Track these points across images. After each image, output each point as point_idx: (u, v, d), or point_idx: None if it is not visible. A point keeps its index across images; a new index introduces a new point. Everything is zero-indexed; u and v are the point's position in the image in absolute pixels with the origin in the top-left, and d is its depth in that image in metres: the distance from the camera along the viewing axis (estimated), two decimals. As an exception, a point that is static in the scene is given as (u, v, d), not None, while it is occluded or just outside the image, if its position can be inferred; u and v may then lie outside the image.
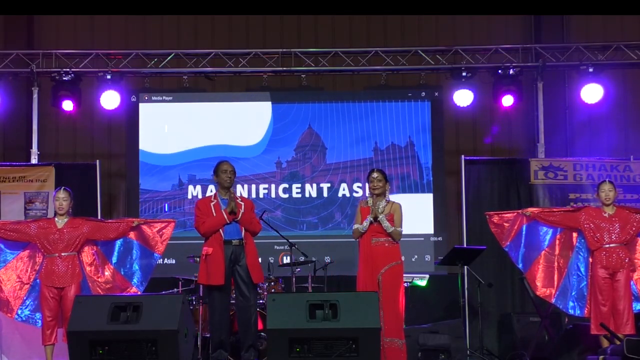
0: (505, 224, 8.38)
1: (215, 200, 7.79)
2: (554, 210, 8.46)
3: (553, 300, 8.25)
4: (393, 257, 7.54)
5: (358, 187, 10.87)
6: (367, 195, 7.84)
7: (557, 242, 8.29)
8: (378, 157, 10.91)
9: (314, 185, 10.90)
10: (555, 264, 8.26)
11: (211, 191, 10.78)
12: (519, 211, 8.43)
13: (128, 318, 6.53)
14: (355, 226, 7.66)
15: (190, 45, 11.32)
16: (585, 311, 8.12)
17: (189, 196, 10.86)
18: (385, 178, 7.71)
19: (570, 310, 8.21)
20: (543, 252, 8.30)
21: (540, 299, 8.51)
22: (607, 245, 7.95)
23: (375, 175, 7.68)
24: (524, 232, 8.33)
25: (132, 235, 8.17)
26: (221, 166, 7.88)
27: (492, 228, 8.45)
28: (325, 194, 10.88)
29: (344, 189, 10.89)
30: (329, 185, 10.89)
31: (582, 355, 8.18)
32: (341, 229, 10.78)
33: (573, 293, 8.17)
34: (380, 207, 7.59)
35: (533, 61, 10.59)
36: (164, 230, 8.24)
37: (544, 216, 8.29)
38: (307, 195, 10.91)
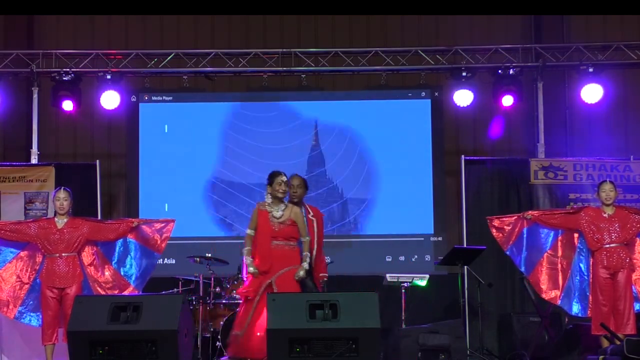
0: (507, 228, 8.37)
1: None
2: (555, 212, 8.45)
3: (559, 302, 8.24)
4: (292, 260, 7.31)
5: (365, 187, 10.87)
6: (266, 197, 7.43)
7: (559, 243, 8.29)
8: (378, 157, 10.91)
9: (316, 185, 10.90)
10: (559, 265, 8.25)
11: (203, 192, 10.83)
12: (520, 215, 8.44)
13: (128, 318, 6.53)
14: (249, 231, 7.40)
15: (190, 45, 11.31)
16: (589, 312, 8.11)
17: (179, 197, 10.84)
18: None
19: (575, 311, 8.20)
20: (545, 254, 8.29)
21: (540, 298, 8.52)
22: (608, 246, 7.95)
23: (284, 179, 7.37)
24: (525, 235, 8.31)
25: (131, 235, 8.15)
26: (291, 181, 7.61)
27: (493, 232, 8.44)
28: (324, 194, 10.88)
29: (345, 189, 10.89)
30: (333, 185, 10.89)
31: (582, 355, 8.19)
32: (341, 229, 10.79)
33: (576, 294, 8.17)
34: (279, 212, 7.34)
35: (533, 61, 10.59)
36: (164, 230, 8.22)
37: (545, 219, 8.28)
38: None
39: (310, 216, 7.70)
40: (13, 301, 8.02)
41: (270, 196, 7.41)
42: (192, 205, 10.83)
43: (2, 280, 8.03)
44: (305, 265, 7.29)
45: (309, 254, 7.37)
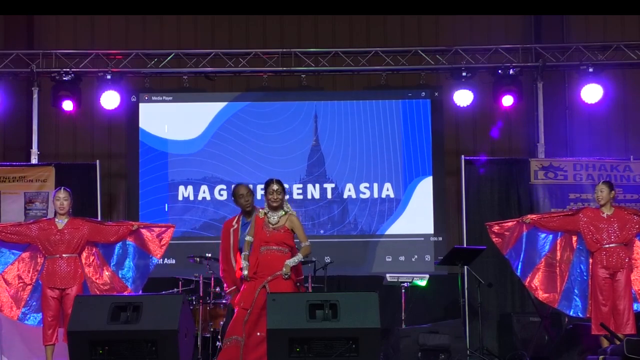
0: (506, 233, 8.37)
1: (237, 225, 7.70)
2: (553, 215, 8.45)
3: (557, 305, 8.23)
4: (280, 265, 7.14)
5: (365, 187, 10.87)
6: (265, 205, 7.34)
7: (558, 246, 8.29)
8: (378, 157, 10.91)
9: (317, 185, 10.90)
10: (557, 269, 8.25)
11: (204, 192, 10.82)
12: (519, 219, 8.43)
13: (128, 318, 6.53)
14: (248, 238, 7.29)
15: (190, 45, 11.31)
16: (588, 312, 8.11)
17: (180, 197, 10.85)
18: (284, 189, 7.31)
19: (574, 313, 8.19)
20: (544, 257, 8.29)
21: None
22: (607, 246, 7.95)
23: (275, 187, 7.22)
24: (524, 240, 8.31)
25: (131, 238, 8.18)
26: (237, 191, 7.82)
27: (492, 237, 8.44)
28: (324, 195, 10.88)
29: (345, 189, 10.89)
30: (333, 185, 10.89)
31: (582, 355, 8.19)
32: (341, 229, 10.79)
33: (576, 295, 8.17)
34: (274, 218, 7.23)
35: (533, 61, 10.59)
36: (163, 235, 8.24)
37: (544, 222, 8.27)
38: (308, 196, 10.90)
39: None
40: (16, 303, 8.04)
41: (266, 205, 7.37)
42: (192, 205, 10.83)
43: (5, 282, 8.04)
44: (289, 262, 7.12)
45: (301, 255, 7.24)
